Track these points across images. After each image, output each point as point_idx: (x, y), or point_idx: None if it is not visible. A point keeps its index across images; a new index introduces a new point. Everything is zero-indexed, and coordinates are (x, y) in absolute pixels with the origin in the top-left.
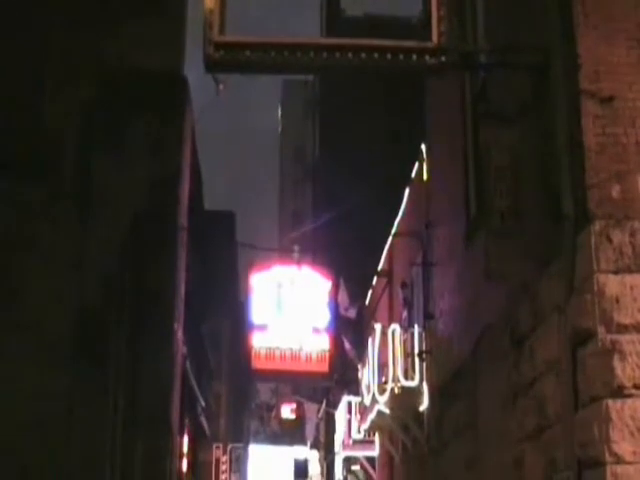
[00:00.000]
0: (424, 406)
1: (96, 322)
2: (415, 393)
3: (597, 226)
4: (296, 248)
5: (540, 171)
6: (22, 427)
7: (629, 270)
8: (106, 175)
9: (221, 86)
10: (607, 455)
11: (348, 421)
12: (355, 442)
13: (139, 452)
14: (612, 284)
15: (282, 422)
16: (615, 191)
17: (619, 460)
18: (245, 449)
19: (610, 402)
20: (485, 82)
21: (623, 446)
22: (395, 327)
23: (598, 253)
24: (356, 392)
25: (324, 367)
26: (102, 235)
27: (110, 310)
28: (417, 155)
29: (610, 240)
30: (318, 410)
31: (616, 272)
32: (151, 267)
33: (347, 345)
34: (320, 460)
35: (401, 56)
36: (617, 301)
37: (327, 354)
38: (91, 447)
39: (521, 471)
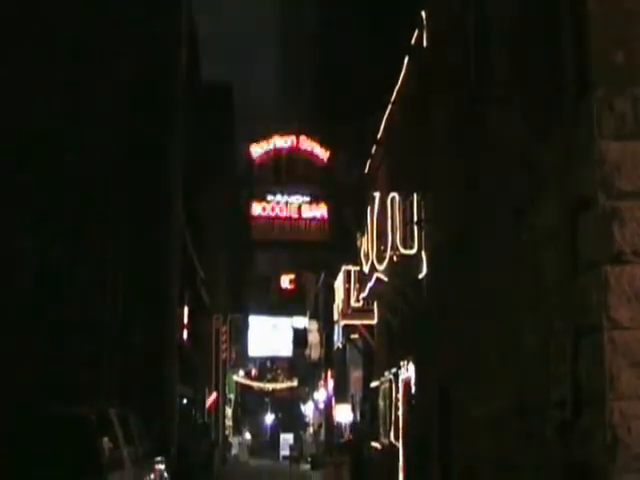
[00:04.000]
0: (422, 274)
1: (94, 193)
2: (414, 261)
3: (599, 93)
4: (295, 117)
5: (542, 38)
6: (22, 297)
7: (630, 137)
8: (102, 43)
9: None
10: (605, 321)
11: (347, 290)
12: (354, 311)
13: (139, 323)
14: (613, 151)
15: (281, 292)
16: (618, 58)
17: (616, 326)
18: (245, 320)
19: (609, 268)
20: None
21: (621, 312)
22: (394, 195)
23: (600, 120)
24: (355, 261)
25: (323, 236)
26: (99, 108)
27: (108, 181)
28: (417, 22)
29: (612, 107)
30: (317, 280)
31: (617, 139)
32: (149, 140)
33: (346, 214)
34: (319, 330)
35: None
36: (618, 168)
37: (326, 223)
38: (92, 316)
39: (520, 339)
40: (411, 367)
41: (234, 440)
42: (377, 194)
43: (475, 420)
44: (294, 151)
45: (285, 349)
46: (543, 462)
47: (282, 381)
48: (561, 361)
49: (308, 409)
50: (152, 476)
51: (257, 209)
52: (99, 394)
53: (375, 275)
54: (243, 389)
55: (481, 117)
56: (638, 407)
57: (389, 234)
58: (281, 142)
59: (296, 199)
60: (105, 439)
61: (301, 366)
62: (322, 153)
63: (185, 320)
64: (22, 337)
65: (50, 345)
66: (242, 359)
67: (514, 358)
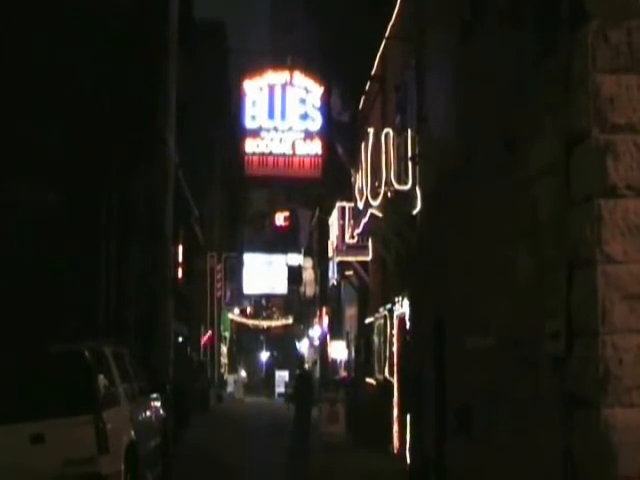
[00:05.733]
0: (417, 210)
1: (86, 135)
2: (408, 197)
3: (594, 25)
4: (289, 54)
5: None
6: (19, 241)
7: (625, 70)
8: None
9: None
10: (598, 255)
11: (341, 226)
12: (348, 247)
13: (134, 261)
14: (608, 84)
15: (276, 230)
16: None
17: (610, 260)
18: (239, 258)
19: (602, 202)
20: None
21: (614, 246)
22: (388, 131)
23: (594, 52)
24: (349, 197)
25: (317, 173)
26: (91, 44)
27: (100, 120)
28: None
29: (607, 39)
30: (311, 217)
31: (612, 72)
32: (142, 76)
33: (340, 150)
34: (314, 267)
35: None
36: (612, 101)
37: (320, 159)
38: (86, 257)
39: (512, 273)
40: (406, 303)
41: (229, 378)
42: (371, 130)
43: (470, 354)
44: (288, 86)
45: (280, 286)
46: (538, 394)
47: (277, 318)
48: (555, 294)
49: (303, 346)
50: (148, 413)
51: (251, 145)
52: (95, 331)
53: (369, 211)
54: (238, 327)
55: (477, 50)
56: (630, 340)
57: (383, 170)
58: (275, 77)
59: (290, 135)
60: (101, 376)
61: (296, 303)
62: (316, 89)
63: (180, 258)
64: (19, 278)
65: (47, 284)
66: (237, 297)
67: (509, 292)
